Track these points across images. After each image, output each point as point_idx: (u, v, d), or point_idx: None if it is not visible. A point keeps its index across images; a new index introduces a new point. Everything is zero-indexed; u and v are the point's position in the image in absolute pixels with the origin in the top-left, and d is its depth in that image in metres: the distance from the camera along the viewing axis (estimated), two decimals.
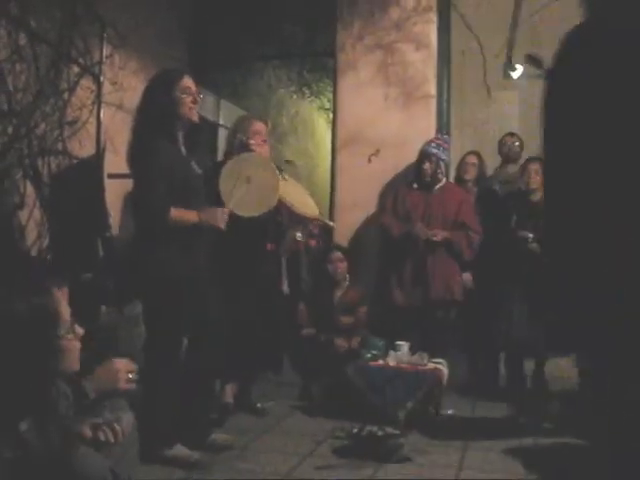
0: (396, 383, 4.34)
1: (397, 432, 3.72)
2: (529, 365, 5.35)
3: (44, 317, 1.94)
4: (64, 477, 1.90)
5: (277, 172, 4.03)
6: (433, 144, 5.28)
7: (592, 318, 1.62)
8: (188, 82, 3.53)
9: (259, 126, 4.46)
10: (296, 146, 9.72)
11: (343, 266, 5.31)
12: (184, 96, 3.49)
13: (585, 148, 1.54)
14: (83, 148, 4.84)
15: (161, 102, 3.47)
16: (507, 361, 5.37)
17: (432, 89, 6.00)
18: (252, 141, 4.32)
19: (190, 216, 3.45)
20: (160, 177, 3.39)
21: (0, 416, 1.88)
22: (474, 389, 5.18)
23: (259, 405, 4.63)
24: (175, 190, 3.42)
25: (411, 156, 5.52)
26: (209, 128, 6.82)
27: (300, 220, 4.55)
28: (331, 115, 6.76)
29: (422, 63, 5.98)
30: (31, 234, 4.39)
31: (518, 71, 8.10)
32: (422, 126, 5.87)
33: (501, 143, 6.01)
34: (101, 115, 4.94)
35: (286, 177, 4.37)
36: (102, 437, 2.09)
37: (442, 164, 5.26)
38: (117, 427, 2.12)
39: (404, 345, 4.57)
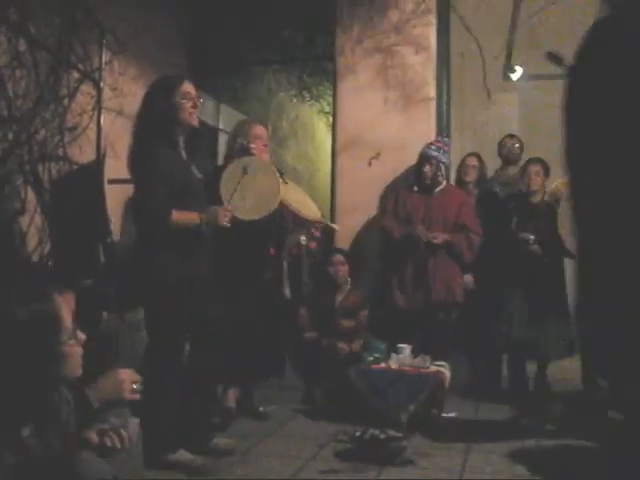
0: (398, 386, 4.34)
1: (400, 435, 3.71)
2: (531, 367, 5.34)
3: (45, 323, 1.94)
4: None
5: (278, 176, 4.04)
6: (433, 147, 5.28)
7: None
8: (188, 87, 3.54)
9: (260, 130, 4.46)
10: (296, 150, 9.72)
11: (344, 269, 5.31)
12: (184, 101, 3.49)
13: (612, 150, 1.50)
14: (83, 154, 4.85)
15: (161, 107, 3.47)
16: (509, 363, 5.37)
17: (432, 92, 6.00)
18: (253, 145, 4.32)
19: (191, 217, 3.45)
20: (161, 182, 3.39)
21: (2, 421, 1.88)
22: (476, 391, 5.18)
23: (261, 409, 4.63)
24: (176, 195, 3.42)
25: (411, 159, 5.53)
26: (209, 133, 6.82)
27: (304, 223, 4.55)
28: (331, 119, 6.76)
29: (422, 66, 5.99)
30: (32, 240, 4.40)
31: (517, 73, 8.11)
32: (422, 129, 5.87)
33: (501, 145, 6.01)
34: (101, 121, 4.95)
35: (287, 181, 4.38)
36: (108, 443, 2.09)
37: (442, 167, 5.26)
38: (123, 433, 2.12)
39: (406, 348, 4.57)
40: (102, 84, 4.98)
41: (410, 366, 4.47)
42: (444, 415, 4.48)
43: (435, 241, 5.05)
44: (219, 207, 3.55)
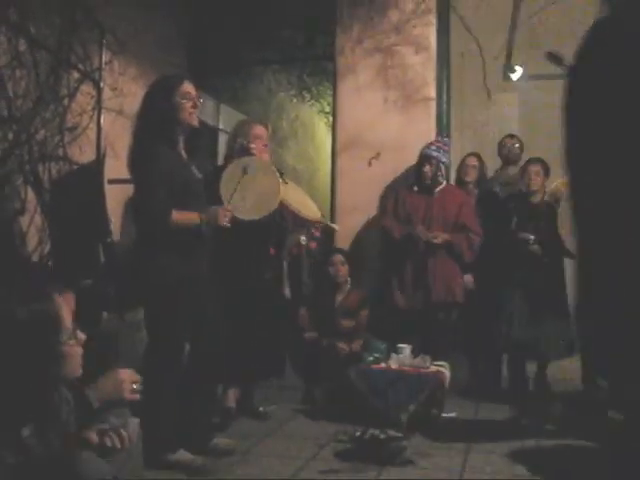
0: (398, 386, 4.34)
1: (400, 435, 3.71)
2: (531, 367, 5.35)
3: (45, 323, 1.94)
4: None
5: (278, 176, 4.04)
6: (433, 147, 5.28)
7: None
8: (188, 87, 3.54)
9: (260, 130, 4.46)
10: (296, 150, 9.72)
11: (345, 269, 5.31)
12: (184, 101, 3.49)
13: (612, 150, 1.49)
14: (83, 154, 4.85)
15: (161, 107, 3.47)
16: (509, 363, 5.37)
17: (432, 92, 6.00)
18: (253, 145, 4.32)
19: (192, 217, 3.45)
20: (160, 182, 3.39)
21: (2, 421, 1.88)
22: (476, 391, 5.18)
23: (261, 409, 4.63)
24: (176, 195, 3.42)
25: (411, 159, 5.53)
26: (209, 133, 6.82)
27: (304, 224, 4.55)
28: (331, 119, 6.77)
29: (421, 66, 5.99)
30: (32, 240, 4.40)
31: (517, 73, 8.11)
32: (422, 129, 5.87)
33: (501, 145, 6.02)
34: (101, 121, 4.95)
35: (287, 181, 4.38)
36: (109, 443, 2.09)
37: (442, 167, 5.26)
38: (124, 433, 2.12)
39: (406, 348, 4.57)
40: (102, 84, 4.98)
41: (410, 366, 4.47)
42: (444, 415, 4.48)
43: (435, 241, 5.05)
44: (219, 207, 3.55)
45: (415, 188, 5.32)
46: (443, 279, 5.09)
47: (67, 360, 2.00)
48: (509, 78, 8.20)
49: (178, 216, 3.41)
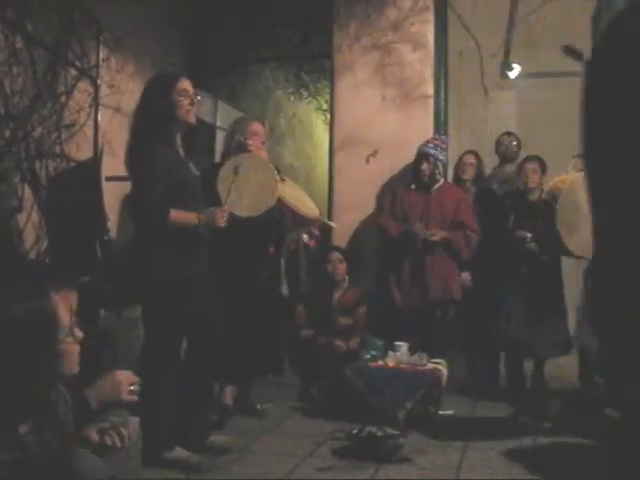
0: (395, 384, 4.34)
1: (397, 432, 3.71)
2: (529, 365, 5.35)
3: (42, 321, 1.93)
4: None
5: (275, 173, 4.03)
6: (430, 144, 5.28)
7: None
8: (185, 84, 3.53)
9: (257, 127, 4.46)
10: (294, 147, 9.72)
11: (342, 267, 5.31)
12: (181, 99, 3.49)
13: (633, 147, 1.47)
14: (81, 151, 4.85)
15: (159, 105, 3.46)
16: (507, 361, 5.37)
17: (429, 89, 6.00)
18: (250, 142, 4.32)
19: (189, 217, 3.45)
20: (158, 180, 3.38)
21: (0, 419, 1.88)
22: (473, 389, 5.18)
23: (258, 407, 4.63)
24: (173, 192, 3.42)
25: (409, 157, 5.53)
26: (207, 130, 6.82)
27: (303, 221, 4.55)
28: (329, 116, 6.76)
29: (419, 63, 5.99)
30: (29, 237, 4.39)
31: (515, 71, 8.11)
32: (420, 126, 5.87)
33: (498, 143, 6.02)
34: (98, 118, 4.94)
35: (284, 178, 4.37)
36: (109, 441, 2.10)
37: (440, 164, 5.26)
38: (124, 432, 2.12)
39: (403, 345, 4.57)
40: (99, 81, 4.97)
41: (407, 364, 4.47)
42: (441, 413, 4.48)
43: (433, 239, 5.05)
44: (217, 208, 3.54)
45: (413, 186, 5.32)
46: (441, 277, 5.09)
47: (64, 358, 2.00)
48: (507, 76, 8.19)
49: (176, 215, 3.40)
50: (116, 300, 4.01)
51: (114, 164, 4.29)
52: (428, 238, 5.05)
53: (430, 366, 4.50)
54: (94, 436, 2.10)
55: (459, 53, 7.05)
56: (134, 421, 2.22)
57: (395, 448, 3.63)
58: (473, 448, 3.88)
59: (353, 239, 5.94)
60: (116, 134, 4.75)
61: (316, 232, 6.32)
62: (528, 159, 5.31)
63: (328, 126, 6.85)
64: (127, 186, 3.68)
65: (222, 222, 3.49)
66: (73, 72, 4.83)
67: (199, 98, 3.66)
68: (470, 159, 5.79)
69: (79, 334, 2.06)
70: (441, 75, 6.11)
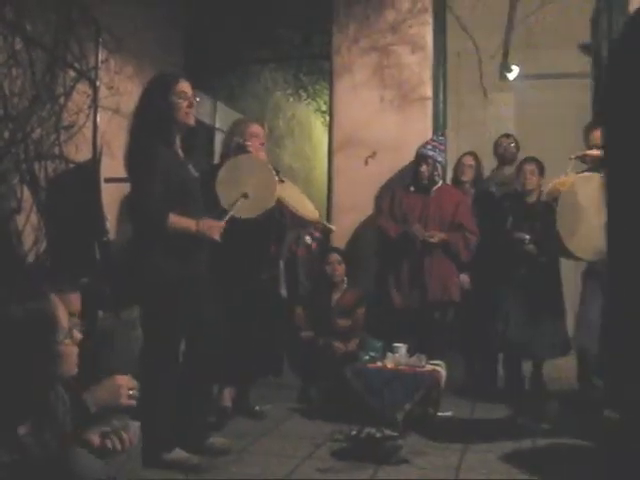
0: (394, 385, 4.34)
1: (395, 434, 3.71)
2: (527, 366, 5.35)
3: (41, 322, 1.94)
4: None
5: (274, 174, 4.04)
6: (429, 146, 5.28)
7: None
8: (184, 86, 3.53)
9: (256, 128, 4.46)
10: (293, 149, 9.73)
11: (341, 268, 5.31)
12: (180, 100, 3.48)
13: None
14: (80, 152, 4.85)
15: (158, 106, 3.46)
16: (505, 362, 5.37)
17: (428, 91, 6.00)
18: (249, 143, 4.32)
19: (188, 224, 3.44)
20: (157, 181, 3.38)
21: None
22: (472, 390, 5.18)
23: (257, 408, 4.63)
24: (172, 194, 3.42)
25: (407, 158, 5.54)
26: (206, 131, 6.82)
27: (303, 223, 4.55)
28: (328, 117, 6.77)
29: (418, 65, 5.99)
30: (28, 239, 4.39)
31: (514, 72, 8.12)
32: (418, 128, 5.88)
33: (497, 144, 6.01)
34: (97, 119, 4.94)
35: (283, 179, 4.37)
36: (109, 445, 2.10)
37: (439, 166, 5.27)
38: (125, 436, 2.13)
39: (402, 347, 4.57)
40: (98, 83, 4.97)
41: (406, 365, 4.47)
42: (440, 414, 4.48)
43: (431, 240, 5.05)
44: (213, 221, 3.53)
45: (412, 188, 5.32)
46: (439, 278, 5.09)
47: (63, 359, 2.00)
48: (505, 77, 8.21)
49: (175, 220, 3.40)
50: (114, 301, 4.00)
51: (113, 165, 4.29)
52: (427, 239, 5.05)
53: (429, 367, 4.51)
54: (95, 439, 2.10)
55: (458, 55, 7.07)
56: (135, 425, 2.23)
57: (394, 449, 3.63)
58: (472, 449, 3.88)
59: (352, 240, 5.95)
60: (115, 135, 4.75)
61: (317, 234, 6.33)
62: (526, 161, 5.31)
63: (327, 127, 6.85)
64: (126, 187, 3.68)
65: (217, 236, 3.49)
66: (72, 73, 4.83)
67: (197, 100, 3.66)
68: (469, 161, 5.79)
69: (78, 335, 2.06)
70: (440, 77, 6.12)
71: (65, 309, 2.03)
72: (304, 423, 4.51)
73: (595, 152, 3.96)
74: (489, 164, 6.11)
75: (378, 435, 3.66)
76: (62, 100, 4.74)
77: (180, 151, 3.60)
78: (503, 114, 8.25)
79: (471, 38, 6.74)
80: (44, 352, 1.94)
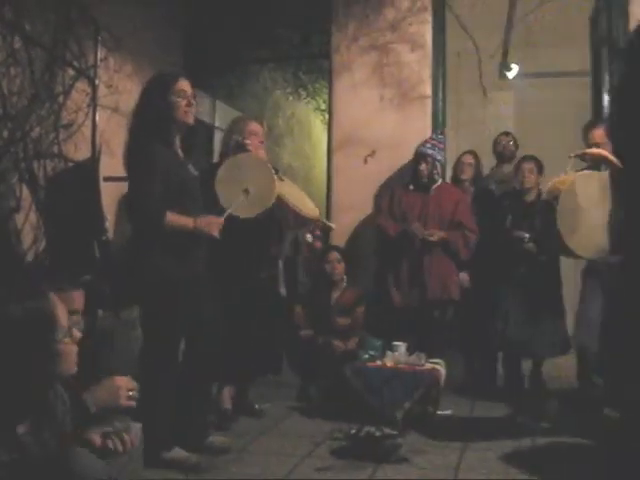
0: (394, 384, 4.34)
1: (395, 432, 3.71)
2: (527, 365, 5.35)
3: (40, 321, 1.93)
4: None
5: (273, 172, 4.03)
6: (428, 145, 5.28)
7: None
8: (183, 85, 3.52)
9: (255, 127, 4.45)
10: (292, 147, 9.73)
11: (341, 267, 5.31)
12: (179, 99, 3.48)
13: None
14: (79, 151, 4.85)
15: (157, 106, 3.46)
16: (505, 361, 5.37)
17: (427, 89, 6.00)
18: (248, 141, 4.31)
19: (186, 222, 3.43)
20: (156, 181, 3.38)
21: None
22: (471, 389, 5.18)
23: (257, 406, 4.63)
24: (172, 193, 3.41)
25: (407, 157, 5.54)
26: (205, 130, 6.82)
27: (304, 222, 4.55)
28: (327, 116, 6.77)
29: (417, 64, 5.99)
30: (27, 238, 4.39)
31: (513, 71, 8.13)
32: (418, 127, 5.88)
33: (496, 143, 6.02)
34: (96, 118, 4.94)
35: (282, 177, 4.37)
36: (111, 445, 2.10)
37: (438, 165, 5.27)
38: (126, 437, 2.13)
39: (401, 345, 4.56)
40: (97, 81, 4.97)
41: (405, 364, 4.47)
42: (439, 413, 4.48)
43: (431, 239, 5.05)
44: (212, 217, 3.52)
45: (411, 186, 5.32)
46: (439, 277, 5.09)
47: (62, 358, 2.00)
48: (505, 76, 8.22)
49: (173, 218, 3.39)
50: (114, 300, 4.00)
51: (112, 164, 4.29)
52: (426, 238, 5.05)
53: (428, 366, 4.50)
54: (97, 439, 2.10)
55: (457, 53, 7.08)
56: (136, 427, 2.23)
57: (393, 448, 3.63)
58: (471, 448, 3.88)
59: (351, 239, 5.95)
60: (114, 134, 4.75)
61: (318, 233, 6.33)
62: (525, 159, 5.31)
63: (326, 126, 6.85)
64: (125, 186, 3.68)
65: (216, 233, 3.48)
66: (71, 72, 4.83)
67: (197, 98, 3.65)
68: (468, 159, 5.79)
69: (77, 334, 2.06)
70: (439, 75, 6.12)
71: (65, 308, 2.02)
72: (303, 422, 4.50)
73: (595, 150, 3.95)
74: (488, 162, 6.11)
75: (377, 434, 3.66)
76: (61, 99, 4.74)
77: (179, 150, 3.59)
78: (502, 113, 8.25)
79: (471, 37, 6.74)
80: (43, 351, 1.94)
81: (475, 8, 6.35)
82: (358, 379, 4.46)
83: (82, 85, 4.89)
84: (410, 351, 4.56)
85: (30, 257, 4.38)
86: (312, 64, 8.12)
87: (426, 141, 5.36)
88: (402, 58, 6.00)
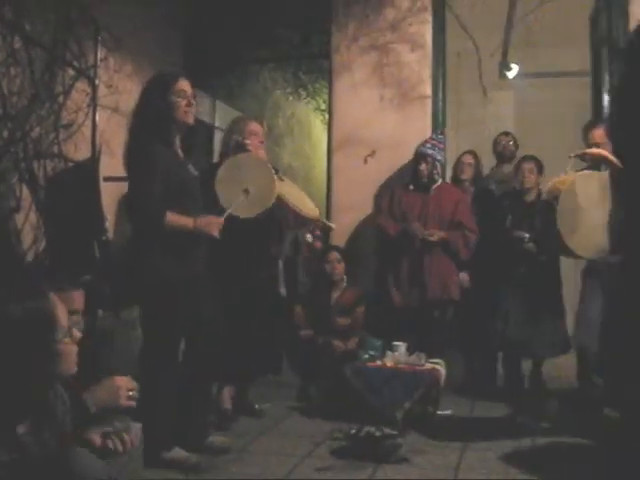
0: (394, 384, 4.34)
1: (395, 432, 3.71)
2: (527, 365, 5.35)
3: (40, 321, 1.93)
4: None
5: (273, 172, 4.03)
6: (428, 145, 5.28)
7: None
8: (183, 85, 3.52)
9: (255, 127, 4.45)
10: (292, 147, 9.73)
11: (341, 266, 5.31)
12: (179, 99, 3.48)
13: None
14: (79, 151, 4.85)
15: (157, 106, 3.46)
16: (505, 361, 5.37)
17: (427, 89, 6.00)
18: (248, 141, 4.31)
19: (185, 222, 3.43)
20: (156, 181, 3.38)
21: None
22: (471, 389, 5.18)
23: (257, 406, 4.63)
24: (172, 193, 3.41)
25: (407, 157, 5.53)
26: (205, 130, 6.82)
27: (304, 222, 4.55)
28: (327, 116, 6.77)
29: (417, 63, 5.99)
30: (27, 238, 4.39)
31: (513, 71, 8.13)
32: (418, 127, 5.87)
33: (496, 142, 6.02)
34: (96, 118, 4.94)
35: (282, 177, 4.37)
36: (111, 445, 2.10)
37: (438, 164, 5.27)
38: (126, 437, 2.13)
39: (401, 345, 4.56)
40: (97, 81, 4.97)
41: (405, 364, 4.46)
42: (439, 413, 4.48)
43: (431, 239, 5.05)
44: (212, 217, 3.52)
45: (411, 186, 5.32)
46: (439, 277, 5.09)
47: (62, 358, 2.00)
48: (505, 76, 8.22)
49: (172, 218, 3.39)
50: (114, 300, 4.00)
51: (112, 164, 4.29)
52: (426, 238, 5.05)
53: (428, 366, 4.50)
54: (97, 439, 2.10)
55: (457, 53, 7.08)
56: (137, 427, 2.23)
57: (393, 448, 3.63)
58: (471, 448, 3.88)
59: (351, 239, 5.95)
60: (114, 134, 4.75)
61: (318, 232, 6.33)
62: (524, 159, 5.31)
63: (326, 126, 6.85)
64: (125, 186, 3.68)
65: (216, 233, 3.48)
66: (71, 72, 4.83)
67: (196, 98, 3.65)
68: (468, 159, 5.79)
69: (77, 334, 2.06)
70: (439, 75, 6.12)
71: (65, 308, 2.02)
72: (303, 422, 4.50)
73: (594, 151, 3.95)
74: (488, 162, 6.12)
75: (378, 434, 3.66)
76: (61, 99, 4.74)
77: (179, 150, 3.59)
78: (502, 112, 8.25)
79: (470, 37, 6.74)
80: (43, 351, 1.94)
81: (475, 8, 6.35)
82: (358, 379, 4.46)
83: (82, 85, 4.89)
84: (410, 351, 4.56)
85: (30, 257, 4.38)
86: (312, 64, 8.12)
87: (426, 141, 5.35)
88: (402, 58, 6.00)
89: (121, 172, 3.61)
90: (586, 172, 4.36)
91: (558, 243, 4.32)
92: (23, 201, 4.37)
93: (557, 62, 7.67)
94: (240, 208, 3.73)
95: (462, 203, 5.27)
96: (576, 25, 6.27)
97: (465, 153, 5.86)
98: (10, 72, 4.32)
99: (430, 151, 5.23)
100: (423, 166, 5.22)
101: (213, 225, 3.47)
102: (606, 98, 5.57)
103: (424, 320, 5.05)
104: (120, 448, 2.11)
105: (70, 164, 4.78)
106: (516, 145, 5.96)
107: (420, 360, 4.48)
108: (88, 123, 4.90)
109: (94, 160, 4.75)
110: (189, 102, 3.51)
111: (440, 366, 4.57)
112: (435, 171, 5.24)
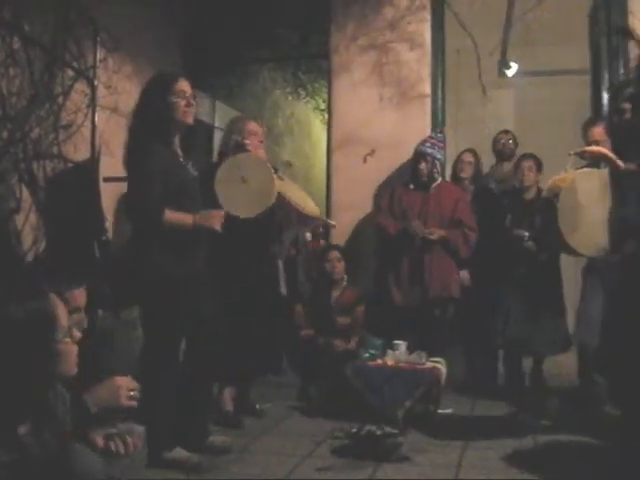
0: (394, 382, 4.34)
1: (396, 431, 3.71)
2: (527, 363, 5.35)
3: (41, 321, 1.93)
4: None
5: (272, 172, 4.03)
6: (428, 143, 5.28)
7: None
8: (183, 85, 3.52)
9: (254, 126, 4.45)
10: (292, 147, 9.73)
11: (341, 265, 5.31)
12: (179, 100, 3.48)
13: None
14: (78, 152, 4.85)
15: (157, 106, 3.46)
16: (505, 359, 5.37)
17: (427, 88, 6.01)
18: (247, 141, 4.31)
19: (184, 219, 3.43)
20: (156, 181, 3.38)
21: None
22: (472, 387, 5.18)
23: (258, 406, 4.63)
24: (171, 193, 3.41)
25: (406, 156, 5.53)
26: (205, 130, 6.82)
27: (307, 220, 4.55)
28: (326, 116, 6.77)
29: (416, 62, 5.99)
30: (27, 238, 4.39)
31: (513, 69, 8.12)
32: (417, 126, 5.88)
33: (495, 141, 6.01)
34: (96, 119, 4.95)
35: (282, 177, 4.37)
36: (113, 447, 2.10)
37: (438, 163, 5.27)
38: (129, 440, 2.13)
39: (402, 344, 4.56)
40: (96, 82, 4.97)
41: (406, 362, 4.47)
42: (440, 411, 4.48)
43: (431, 237, 5.05)
44: (213, 211, 3.52)
45: (411, 185, 5.31)
46: (439, 275, 5.09)
47: (62, 358, 2.00)
48: (504, 74, 8.21)
49: (171, 216, 3.38)
50: (114, 300, 4.00)
51: (111, 165, 4.29)
52: (426, 236, 5.05)
53: (429, 365, 4.50)
54: (99, 440, 2.11)
55: (456, 52, 7.06)
56: (140, 430, 2.23)
57: (394, 447, 3.63)
58: (472, 447, 3.88)
59: (351, 238, 5.95)
60: (113, 135, 4.75)
61: (321, 230, 6.33)
62: (524, 157, 5.31)
63: (326, 126, 6.85)
64: (124, 187, 3.68)
65: (218, 226, 3.47)
66: (70, 73, 4.84)
67: (196, 98, 3.65)
68: (468, 157, 5.78)
69: (77, 334, 2.06)
70: (438, 74, 6.12)
71: (65, 308, 2.02)
72: (304, 421, 4.51)
73: (594, 148, 3.95)
74: (488, 161, 6.11)
75: (378, 433, 3.66)
76: (60, 99, 4.74)
77: (179, 150, 3.59)
78: (502, 111, 8.25)
79: (470, 35, 6.72)
80: (43, 351, 1.94)
81: (474, 6, 6.34)
82: (359, 378, 4.46)
83: (81, 86, 4.89)
84: (411, 350, 4.56)
85: (30, 257, 4.38)
86: (311, 64, 8.13)
87: (425, 140, 5.35)
88: (401, 57, 6.00)
89: (121, 172, 3.61)
90: (586, 170, 4.35)
91: (558, 241, 4.32)
92: (23, 202, 4.37)
93: (556, 60, 7.66)
94: (240, 208, 3.73)
95: (462, 201, 5.27)
96: (575, 23, 6.26)
97: (465, 151, 5.86)
98: (9, 73, 4.32)
99: (430, 150, 5.23)
100: (423, 165, 5.22)
101: (215, 219, 3.46)
102: (605, 96, 5.57)
103: (424, 319, 5.05)
104: (122, 450, 2.11)
105: (70, 165, 4.78)
106: (515, 143, 5.95)
107: (421, 359, 4.48)
108: (87, 124, 4.90)
109: (94, 161, 4.76)
110: (189, 102, 3.51)
111: (441, 365, 4.57)
112: (435, 170, 5.24)
